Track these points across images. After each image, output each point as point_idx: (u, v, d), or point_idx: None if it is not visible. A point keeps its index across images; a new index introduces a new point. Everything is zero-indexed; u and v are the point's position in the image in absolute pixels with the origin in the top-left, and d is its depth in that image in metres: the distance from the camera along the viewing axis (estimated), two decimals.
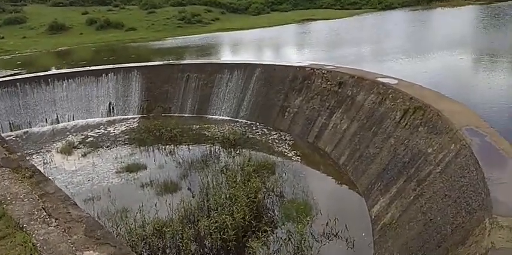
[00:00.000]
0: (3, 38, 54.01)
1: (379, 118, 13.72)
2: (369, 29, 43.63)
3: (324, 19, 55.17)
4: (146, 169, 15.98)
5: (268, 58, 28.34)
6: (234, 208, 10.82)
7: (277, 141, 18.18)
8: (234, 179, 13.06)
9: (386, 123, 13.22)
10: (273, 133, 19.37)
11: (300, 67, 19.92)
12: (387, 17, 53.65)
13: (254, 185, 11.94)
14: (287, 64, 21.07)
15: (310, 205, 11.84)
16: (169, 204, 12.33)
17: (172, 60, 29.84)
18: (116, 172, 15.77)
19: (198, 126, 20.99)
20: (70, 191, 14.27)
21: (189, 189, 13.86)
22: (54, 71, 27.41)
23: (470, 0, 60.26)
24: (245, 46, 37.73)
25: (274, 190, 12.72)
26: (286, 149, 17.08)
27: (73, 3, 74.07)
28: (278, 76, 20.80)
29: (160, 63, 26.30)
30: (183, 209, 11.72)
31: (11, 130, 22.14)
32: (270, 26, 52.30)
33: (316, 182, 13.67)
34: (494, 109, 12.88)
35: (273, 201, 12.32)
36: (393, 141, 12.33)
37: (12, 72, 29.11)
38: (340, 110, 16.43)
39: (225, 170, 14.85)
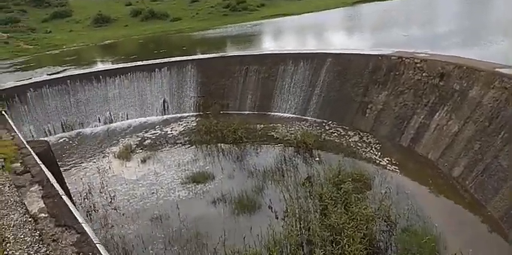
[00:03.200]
0: (50, 32, 54.34)
1: (510, 121, 10.72)
2: (437, 8, 39.12)
3: (379, 0, 50.67)
4: (214, 179, 13.98)
5: (331, 45, 25.34)
6: (344, 243, 8.45)
7: (360, 144, 15.55)
8: (327, 200, 10.66)
9: None
10: (352, 133, 16.74)
11: (382, 55, 16.98)
12: None
13: (363, 211, 9.46)
14: (364, 52, 18.17)
15: (433, 236, 9.22)
16: (251, 228, 10.25)
17: (226, 51, 27.67)
18: (182, 183, 13.89)
19: (262, 126, 18.74)
20: (134, 206, 12.62)
21: (270, 208, 11.66)
22: (105, 67, 26.11)
23: None
24: (301, 33, 34.79)
25: (382, 213, 10.20)
26: (375, 155, 14.42)
27: None
28: (354, 67, 18.00)
29: (216, 55, 24.16)
30: (271, 239, 9.55)
31: (63, 131, 21.02)
32: (320, 10, 48.72)
33: (429, 202, 11.00)
34: None
35: (382, 230, 9.82)
36: None
37: (62, 69, 28.20)
38: (446, 108, 13.47)
39: (307, 183, 12.54)
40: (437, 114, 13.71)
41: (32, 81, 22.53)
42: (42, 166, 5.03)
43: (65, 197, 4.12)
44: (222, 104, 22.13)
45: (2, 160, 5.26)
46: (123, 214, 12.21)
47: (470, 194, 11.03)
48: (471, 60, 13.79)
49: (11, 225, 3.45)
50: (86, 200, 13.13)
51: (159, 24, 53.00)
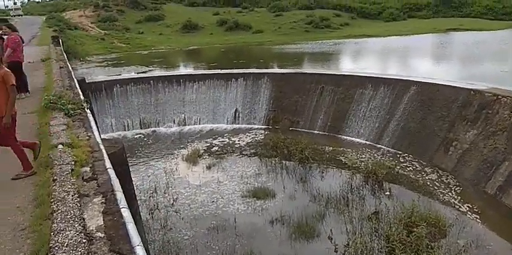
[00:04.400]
0: (142, 33, 58.48)
1: None
2: None
3: (476, 30, 47.40)
4: (275, 197, 13.65)
5: (415, 72, 23.99)
6: None
7: (437, 184, 14.27)
8: (395, 242, 9.78)
9: None
10: (429, 170, 15.45)
11: (475, 90, 15.58)
12: None
13: None
14: (454, 84, 16.84)
15: None
16: None
17: (304, 67, 27.53)
18: (242, 196, 13.76)
19: (331, 148, 18.10)
20: (194, 212, 12.71)
21: (330, 239, 11.01)
22: (186, 72, 27.37)
23: None
24: (384, 56, 33.60)
25: None
26: (455, 199, 13.09)
27: (206, 3, 77.78)
28: (441, 99, 16.73)
29: (292, 70, 24.08)
30: None
31: (141, 128, 22.15)
32: (407, 35, 46.80)
33: None
34: None
35: None
36: None
37: (148, 69, 30.02)
38: None
39: (374, 218, 11.70)
40: None
41: (120, 78, 24.21)
42: (112, 174, 4.94)
43: (126, 214, 3.96)
44: (292, 120, 21.86)
45: (73, 163, 5.20)
46: (182, 218, 12.34)
47: None
48: None
49: (65, 245, 3.33)
50: (151, 198, 13.52)
51: (241, 35, 54.63)
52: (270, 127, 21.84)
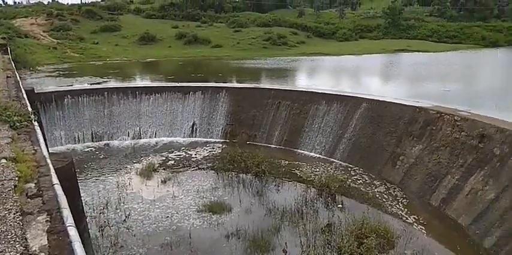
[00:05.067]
0: (97, 43, 56.88)
1: None
2: (481, 66, 38.71)
3: (421, 51, 50.81)
4: (231, 211, 13.62)
5: (366, 90, 25.16)
6: None
7: (386, 197, 14.93)
8: (346, 254, 10.08)
9: None
10: (378, 183, 16.16)
11: (420, 108, 16.63)
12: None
13: None
14: (402, 102, 17.87)
15: None
16: None
17: (262, 82, 28.01)
18: (198, 211, 13.59)
19: (287, 162, 18.43)
20: (147, 228, 12.36)
21: (284, 252, 11.12)
22: (143, 84, 26.82)
23: None
24: (337, 74, 34.99)
25: None
26: (402, 211, 13.75)
27: (165, 16, 77.36)
28: (389, 116, 17.67)
29: (250, 85, 24.44)
30: None
31: (93, 141, 21.33)
32: (360, 54, 49.20)
33: None
34: None
35: None
36: None
37: (102, 80, 29.16)
38: (483, 172, 12.84)
39: (327, 231, 12.00)
40: (473, 177, 13.06)
41: (72, 88, 23.28)
42: (58, 190, 4.74)
43: (73, 232, 3.83)
44: (249, 134, 22.06)
45: (17, 178, 4.95)
46: (134, 235, 11.94)
47: None
48: None
49: None
50: (102, 214, 12.98)
51: (200, 49, 54.73)
52: (228, 140, 21.88)
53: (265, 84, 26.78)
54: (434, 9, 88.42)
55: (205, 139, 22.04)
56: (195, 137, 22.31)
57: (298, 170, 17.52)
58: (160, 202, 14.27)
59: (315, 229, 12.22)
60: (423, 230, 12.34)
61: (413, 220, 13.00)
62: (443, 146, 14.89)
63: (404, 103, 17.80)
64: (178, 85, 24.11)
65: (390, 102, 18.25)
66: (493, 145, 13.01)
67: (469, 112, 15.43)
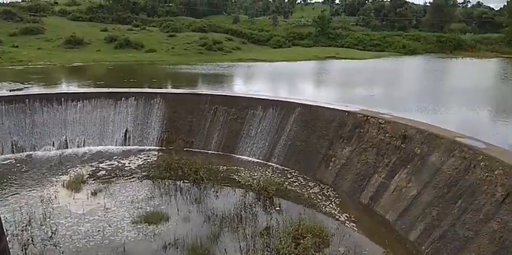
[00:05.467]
0: (17, 47, 52.48)
1: (468, 191, 11.17)
2: (403, 73, 41.99)
3: (348, 58, 53.91)
4: (168, 221, 13.24)
5: (300, 95, 26.06)
6: None
7: (320, 197, 15.52)
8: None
9: (480, 198, 10.65)
10: (313, 185, 16.75)
11: (349, 112, 17.60)
12: (420, 64, 52.51)
13: None
14: (333, 107, 18.76)
15: None
16: None
17: (198, 88, 27.77)
18: (132, 222, 13.01)
19: (225, 168, 18.40)
20: (76, 244, 11.57)
21: None
22: (69, 90, 25.18)
23: (497, 53, 59.55)
24: (272, 79, 35.80)
25: None
26: (335, 210, 14.38)
27: (93, 18, 73.56)
28: (321, 120, 18.45)
29: (187, 91, 24.10)
30: None
31: (13, 152, 19.53)
32: (294, 60, 50.88)
33: None
34: None
35: None
36: (496, 226, 9.71)
37: (23, 86, 26.90)
38: (406, 170, 13.90)
39: (266, 234, 12.16)
40: (397, 175, 14.09)
41: None
42: None
43: None
44: (186, 141, 21.69)
45: None
46: (62, 252, 11.12)
47: None
48: (433, 126, 14.56)
49: None
50: (24, 232, 11.88)
51: (132, 53, 52.81)
52: (164, 148, 21.30)
53: (202, 90, 26.60)
54: (359, 19, 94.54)
55: (139, 147, 21.23)
56: (129, 145, 21.40)
57: (236, 175, 17.56)
58: (91, 215, 13.43)
59: (254, 233, 12.32)
60: (354, 227, 13.01)
61: (346, 218, 13.66)
62: (370, 148, 15.88)
63: (335, 107, 18.70)
64: (108, 91, 22.98)
65: (322, 107, 19.06)
66: (414, 145, 14.15)
67: (392, 115, 16.65)
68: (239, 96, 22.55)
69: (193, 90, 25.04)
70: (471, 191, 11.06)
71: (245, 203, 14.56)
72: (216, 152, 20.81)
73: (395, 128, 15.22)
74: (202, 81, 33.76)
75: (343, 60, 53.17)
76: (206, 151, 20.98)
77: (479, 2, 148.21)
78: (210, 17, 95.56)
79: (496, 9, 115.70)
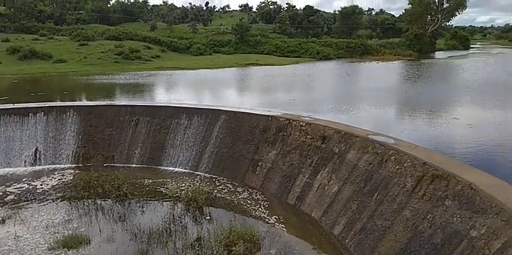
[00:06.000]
0: None
1: (382, 184, 12.09)
2: (319, 78, 44.33)
3: (268, 65, 55.56)
4: (90, 243, 12.30)
5: (224, 102, 26.20)
6: None
7: (249, 202, 15.65)
8: None
9: (393, 190, 11.59)
10: (241, 190, 16.85)
11: (272, 116, 18.06)
12: (332, 67, 55.85)
13: None
14: (257, 112, 19.10)
15: None
16: None
17: (116, 99, 26.43)
18: (49, 249, 11.87)
19: (151, 181, 17.71)
20: None
21: None
22: None
23: (399, 56, 65.86)
24: (196, 87, 35.45)
25: None
26: (264, 213, 14.59)
27: None
28: (246, 126, 18.69)
29: (104, 103, 22.80)
30: None
31: None
32: (215, 68, 50.98)
33: None
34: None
35: None
36: (409, 214, 10.63)
37: None
38: (327, 169, 14.63)
39: (197, 245, 11.90)
40: (320, 174, 14.77)
41: None
42: None
43: None
44: (106, 156, 20.46)
45: None
46: None
47: (350, 252, 11.73)
48: (348, 126, 15.55)
49: None
50: None
51: (39, 65, 48.60)
52: (81, 165, 19.84)
53: (121, 101, 25.39)
54: (276, 27, 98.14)
55: (52, 166, 19.51)
56: (40, 165, 19.55)
57: (163, 187, 16.99)
58: None
59: (185, 245, 11.99)
60: (284, 228, 13.32)
61: (275, 220, 13.93)
62: (294, 150, 16.44)
63: (259, 112, 19.05)
64: (13, 106, 20.84)
65: (246, 113, 19.30)
66: (332, 145, 14.95)
67: (312, 117, 17.47)
68: (162, 106, 21.91)
69: (111, 102, 23.81)
70: (385, 183, 11.98)
71: (174, 216, 14.11)
72: (140, 166, 19.93)
73: (315, 130, 15.95)
74: (121, 91, 32.25)
75: (264, 66, 54.63)
76: (129, 165, 20.00)
77: (381, 9, 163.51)
78: (125, 25, 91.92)
79: (397, 16, 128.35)
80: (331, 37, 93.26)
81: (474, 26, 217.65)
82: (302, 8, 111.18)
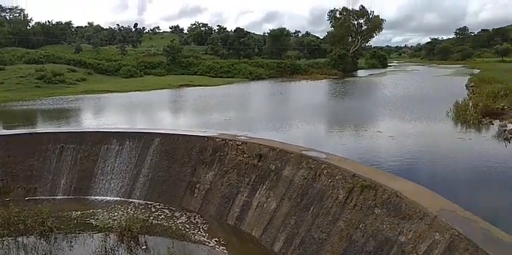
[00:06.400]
0: None
1: (317, 197, 12.49)
2: (251, 97, 45.21)
3: (202, 85, 55.63)
4: None
5: (158, 125, 25.55)
6: None
7: (188, 226, 15.18)
8: None
9: (328, 202, 12.01)
10: (179, 214, 16.32)
11: (208, 137, 17.96)
12: (265, 87, 57.34)
13: None
14: (192, 133, 18.89)
15: None
16: None
17: (38, 126, 24.53)
18: None
19: (79, 212, 16.49)
20: None
21: None
22: None
23: (326, 75, 69.92)
24: (127, 111, 34.16)
25: None
26: (204, 236, 14.22)
27: None
28: (182, 148, 18.34)
29: (24, 131, 21.10)
30: None
31: None
32: (147, 90, 49.75)
33: None
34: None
35: None
36: (343, 225, 11.06)
37: None
38: (264, 186, 14.79)
39: None
40: (258, 192, 14.88)
41: None
42: None
43: None
44: (27, 188, 18.75)
45: None
46: None
47: None
48: (283, 143, 15.98)
49: None
50: None
51: None
52: None
53: (43, 128, 23.63)
54: (208, 48, 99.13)
55: None
56: None
57: (93, 219, 15.89)
58: None
59: None
60: (225, 250, 13.09)
61: (215, 243, 13.64)
62: (231, 169, 16.42)
63: (194, 134, 18.86)
64: None
65: (181, 134, 18.98)
66: (269, 162, 15.20)
67: (247, 136, 17.67)
68: (89, 131, 20.81)
69: (32, 130, 22.11)
70: (320, 197, 12.39)
71: (106, 249, 13.20)
72: (66, 197, 18.52)
73: (251, 148, 16.13)
74: (44, 118, 30.03)
75: (198, 87, 54.56)
76: (54, 197, 18.50)
77: (307, 31, 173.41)
78: (46, 47, 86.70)
79: (321, 38, 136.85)
80: (263, 58, 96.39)
81: (390, 46, 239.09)
82: (233, 30, 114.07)
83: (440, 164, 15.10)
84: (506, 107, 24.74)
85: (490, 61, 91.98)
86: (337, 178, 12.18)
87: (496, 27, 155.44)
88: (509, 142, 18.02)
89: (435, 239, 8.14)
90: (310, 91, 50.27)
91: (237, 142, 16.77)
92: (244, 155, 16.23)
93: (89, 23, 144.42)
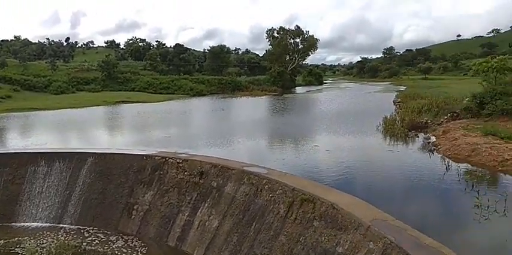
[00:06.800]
0: None
1: (259, 212, 12.56)
2: (192, 114, 44.75)
3: (141, 102, 54.09)
4: None
5: (92, 144, 24.26)
6: None
7: (125, 250, 14.39)
8: None
9: (269, 217, 12.12)
10: (115, 239, 15.43)
11: (147, 155, 17.36)
12: (207, 103, 57.09)
13: None
14: (130, 152, 18.16)
15: None
16: None
17: None
18: None
19: (2, 241, 15.01)
20: None
21: None
22: None
23: (266, 92, 71.59)
24: (57, 130, 32.00)
25: None
26: None
27: None
28: (118, 167, 17.51)
29: None
30: None
31: None
32: (80, 107, 47.24)
33: None
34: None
35: None
36: (284, 239, 11.20)
37: None
38: (206, 204, 14.55)
39: None
40: (200, 210, 14.60)
41: None
42: None
43: None
44: None
45: None
46: None
47: None
48: (224, 159, 15.92)
49: None
50: None
51: None
52: None
53: None
54: (147, 64, 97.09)
55: None
56: None
57: (19, 247, 14.51)
58: None
59: None
60: None
61: None
62: (172, 188, 15.98)
63: (132, 152, 18.15)
64: None
65: (118, 153, 18.16)
66: (210, 179, 15.03)
67: (188, 154, 17.38)
68: (14, 152, 19.23)
69: None
70: (261, 212, 12.47)
71: None
72: None
73: (192, 166, 15.86)
74: None
75: (136, 103, 52.93)
76: None
77: (247, 49, 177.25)
78: None
79: (261, 55, 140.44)
80: (203, 74, 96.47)
81: (325, 64, 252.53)
82: (173, 46, 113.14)
83: (372, 175, 16.01)
84: (429, 121, 27.09)
85: (415, 78, 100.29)
86: (277, 192, 12.37)
87: (418, 47, 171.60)
88: (433, 154, 19.66)
89: (370, 248, 8.54)
90: (251, 108, 51.09)
91: (178, 160, 16.41)
92: (185, 173, 15.91)
93: (15, 37, 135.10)
